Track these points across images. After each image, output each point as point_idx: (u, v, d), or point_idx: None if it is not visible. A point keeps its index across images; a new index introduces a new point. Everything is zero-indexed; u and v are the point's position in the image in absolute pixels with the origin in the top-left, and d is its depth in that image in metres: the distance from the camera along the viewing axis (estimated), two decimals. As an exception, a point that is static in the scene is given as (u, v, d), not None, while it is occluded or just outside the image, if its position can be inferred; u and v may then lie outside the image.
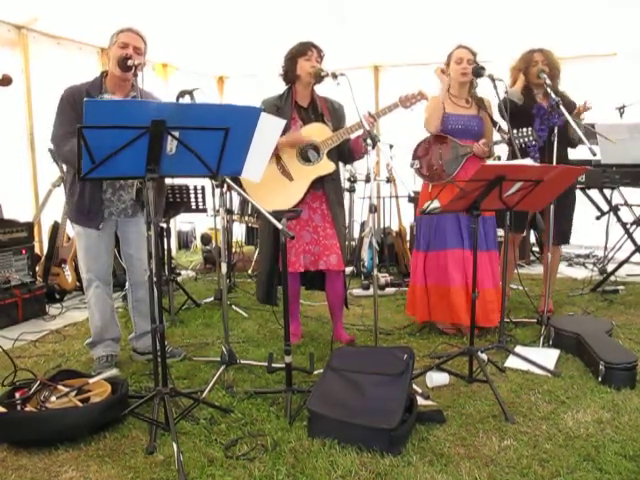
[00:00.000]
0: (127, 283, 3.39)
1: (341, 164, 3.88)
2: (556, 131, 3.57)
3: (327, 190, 3.50)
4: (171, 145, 2.31)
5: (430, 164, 3.71)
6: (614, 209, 4.91)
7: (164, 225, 4.41)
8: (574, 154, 4.40)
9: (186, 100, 3.78)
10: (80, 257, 3.22)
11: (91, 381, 2.77)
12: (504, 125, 3.57)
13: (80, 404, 2.59)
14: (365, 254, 5.47)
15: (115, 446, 2.43)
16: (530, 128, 3.48)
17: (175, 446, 2.24)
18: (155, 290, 2.48)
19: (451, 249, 3.70)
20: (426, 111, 3.73)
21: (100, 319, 3.25)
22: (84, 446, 2.41)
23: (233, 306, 4.56)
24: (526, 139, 3.45)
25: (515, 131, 3.46)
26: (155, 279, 2.48)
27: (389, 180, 5.75)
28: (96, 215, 3.10)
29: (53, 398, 2.59)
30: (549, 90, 3.55)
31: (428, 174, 3.72)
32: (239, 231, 6.54)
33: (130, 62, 2.91)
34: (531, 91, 3.92)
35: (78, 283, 4.89)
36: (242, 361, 3.25)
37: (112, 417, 2.55)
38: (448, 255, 3.71)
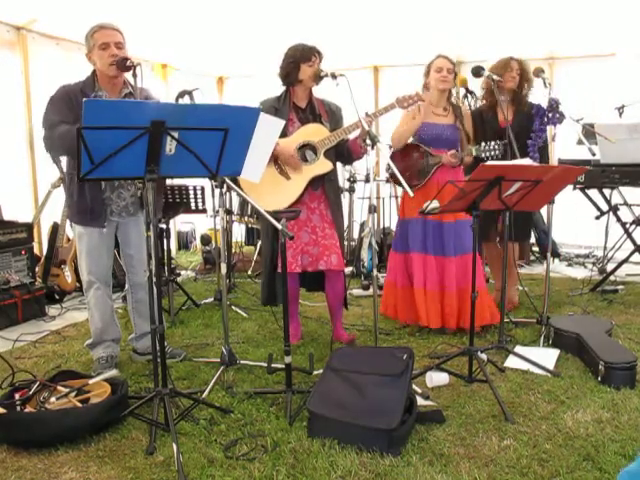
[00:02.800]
0: (127, 284, 3.38)
1: (340, 165, 3.89)
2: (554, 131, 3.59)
3: (326, 190, 3.51)
4: (170, 146, 2.31)
5: (402, 171, 3.73)
6: (613, 209, 4.91)
7: (164, 226, 4.41)
8: (574, 154, 4.41)
9: (185, 100, 3.78)
10: (81, 259, 3.22)
11: (91, 382, 2.77)
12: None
13: (80, 405, 2.59)
14: (365, 254, 5.47)
15: (115, 447, 2.43)
16: (498, 142, 3.50)
17: (175, 447, 2.24)
18: (155, 291, 2.47)
19: (415, 253, 3.81)
20: (396, 129, 3.83)
21: (100, 320, 3.25)
22: (84, 447, 2.41)
23: (233, 306, 4.56)
24: (492, 153, 3.48)
25: (483, 144, 3.50)
26: (155, 280, 2.48)
27: (388, 180, 5.74)
28: (100, 214, 3.10)
29: (53, 399, 2.59)
30: (549, 90, 3.55)
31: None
32: (239, 232, 6.54)
33: (129, 62, 2.91)
34: (493, 94, 3.93)
35: (78, 284, 4.89)
36: (242, 361, 3.25)
37: (112, 418, 2.56)
38: (413, 258, 3.82)
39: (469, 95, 3.97)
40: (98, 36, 2.98)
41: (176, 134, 2.27)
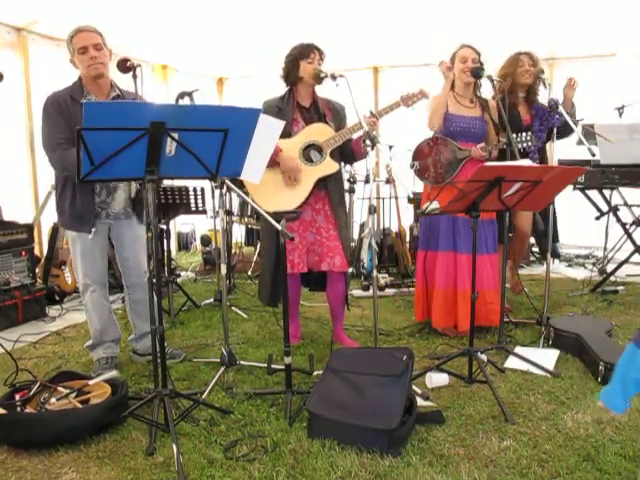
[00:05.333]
0: (124, 285, 3.38)
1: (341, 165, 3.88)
2: (555, 132, 3.58)
3: (330, 191, 3.50)
4: (170, 147, 2.31)
5: (429, 166, 3.71)
6: (613, 209, 4.91)
7: (163, 227, 4.41)
8: (574, 154, 4.41)
9: (185, 101, 3.78)
10: (76, 262, 3.22)
11: (91, 382, 2.77)
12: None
13: (80, 406, 2.59)
14: (365, 255, 5.47)
15: (115, 447, 2.43)
16: (530, 133, 3.48)
17: (175, 447, 2.25)
18: (155, 291, 2.47)
19: (442, 251, 3.77)
20: (428, 110, 3.73)
21: (99, 322, 3.26)
22: (84, 448, 2.42)
23: (233, 307, 4.57)
24: (525, 144, 3.45)
25: (515, 136, 3.46)
26: (154, 280, 2.48)
27: (388, 181, 5.75)
28: (88, 219, 3.09)
29: (53, 400, 2.59)
30: (548, 91, 3.55)
31: (427, 176, 3.73)
32: (239, 232, 6.54)
33: (130, 64, 2.90)
34: (513, 93, 3.92)
35: (77, 285, 4.89)
36: (242, 362, 3.25)
37: (112, 418, 2.56)
38: (438, 257, 3.78)
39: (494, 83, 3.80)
40: (76, 40, 2.98)
41: (176, 135, 2.27)
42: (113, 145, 2.19)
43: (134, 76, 2.90)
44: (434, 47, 5.87)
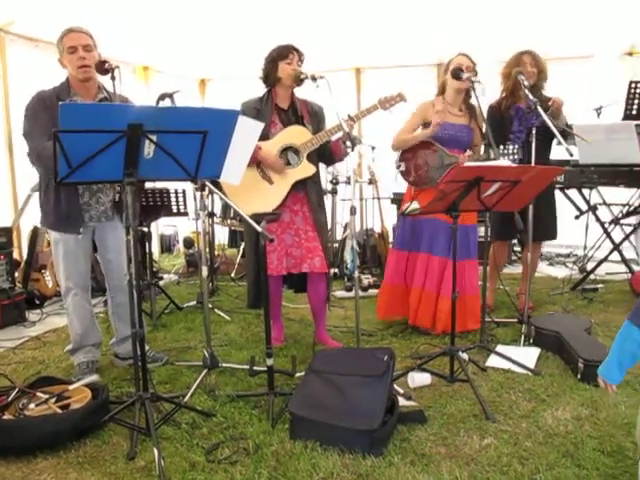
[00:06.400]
0: (107, 288, 3.36)
1: (322, 166, 3.88)
2: (534, 132, 3.61)
3: (308, 193, 3.50)
4: (149, 149, 2.30)
5: (415, 168, 3.73)
6: (592, 208, 4.97)
7: (145, 229, 4.39)
8: (554, 154, 4.44)
9: (166, 103, 3.77)
10: (58, 264, 3.18)
11: (71, 387, 2.74)
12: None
13: (59, 411, 2.56)
14: (348, 256, 5.47)
15: (95, 452, 2.41)
16: (516, 146, 3.46)
17: (156, 451, 2.24)
18: (135, 294, 2.46)
19: (423, 253, 3.81)
20: (403, 132, 3.81)
21: (80, 326, 3.23)
22: (63, 453, 2.39)
23: (215, 309, 4.55)
24: (512, 157, 3.46)
25: (502, 147, 3.46)
26: (135, 283, 2.46)
27: (371, 182, 5.76)
28: (76, 220, 3.06)
29: (32, 405, 2.56)
30: (527, 92, 3.57)
31: (412, 178, 3.75)
32: (222, 234, 6.52)
33: (107, 65, 2.89)
34: (516, 93, 3.95)
35: (58, 288, 4.83)
36: (224, 364, 3.25)
37: (92, 423, 2.53)
38: (419, 258, 3.82)
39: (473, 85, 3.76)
40: (66, 40, 2.95)
41: (154, 137, 2.26)
42: (90, 147, 2.17)
43: (112, 78, 2.87)
44: (416, 48, 5.93)
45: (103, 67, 2.88)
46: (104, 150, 2.19)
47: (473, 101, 3.76)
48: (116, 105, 2.78)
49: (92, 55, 2.96)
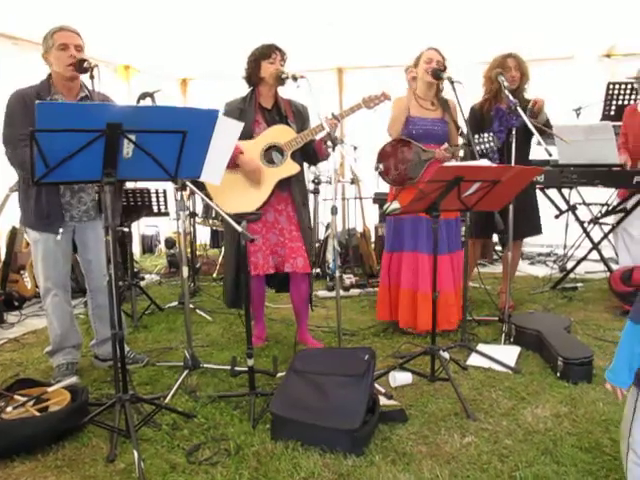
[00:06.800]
0: (87, 289, 3.32)
1: (305, 166, 3.88)
2: (514, 132, 3.64)
3: (292, 192, 3.50)
4: (128, 148, 2.27)
5: (393, 168, 3.74)
6: (572, 208, 5.03)
7: (125, 229, 4.35)
8: (534, 154, 4.49)
9: (147, 102, 3.73)
10: (37, 265, 3.14)
11: (50, 390, 2.71)
12: (465, 129, 3.62)
13: (38, 414, 2.53)
14: (330, 255, 5.48)
15: (74, 455, 2.38)
16: (491, 134, 3.52)
17: (136, 453, 2.22)
18: (115, 295, 2.43)
19: (407, 252, 3.80)
20: (391, 111, 3.76)
21: (59, 327, 3.19)
22: (42, 457, 2.36)
23: (197, 310, 4.53)
24: (487, 145, 3.49)
25: (476, 136, 3.50)
26: (114, 284, 2.44)
27: (353, 181, 5.77)
28: (56, 219, 3.03)
29: (9, 408, 2.52)
30: (507, 92, 3.60)
31: (392, 178, 3.75)
32: (204, 234, 6.49)
33: (87, 64, 2.86)
34: (498, 95, 3.98)
35: (37, 290, 4.76)
36: (205, 365, 3.23)
37: (71, 426, 2.51)
38: (403, 257, 3.81)
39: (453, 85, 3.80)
40: (58, 37, 2.92)
41: (133, 137, 2.24)
42: (68, 147, 2.15)
43: (91, 77, 2.85)
44: (398, 49, 5.94)
45: (82, 66, 2.86)
46: (82, 150, 2.16)
47: (445, 94, 3.79)
48: (95, 104, 2.75)
49: (82, 56, 2.93)
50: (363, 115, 3.56)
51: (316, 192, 5.35)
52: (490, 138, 3.50)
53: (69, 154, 2.15)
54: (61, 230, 3.04)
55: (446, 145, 3.70)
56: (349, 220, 6.18)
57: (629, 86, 5.04)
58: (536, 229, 4.30)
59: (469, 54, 4.29)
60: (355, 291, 5.08)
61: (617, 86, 5.13)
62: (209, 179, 2.81)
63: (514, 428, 2.53)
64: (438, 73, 3.59)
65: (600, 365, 3.08)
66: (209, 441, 2.46)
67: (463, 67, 4.17)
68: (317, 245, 5.84)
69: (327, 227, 5.83)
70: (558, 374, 3.04)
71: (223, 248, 5.12)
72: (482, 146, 3.48)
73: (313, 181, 5.25)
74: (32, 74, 3.08)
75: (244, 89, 3.54)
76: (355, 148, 5.70)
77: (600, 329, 3.82)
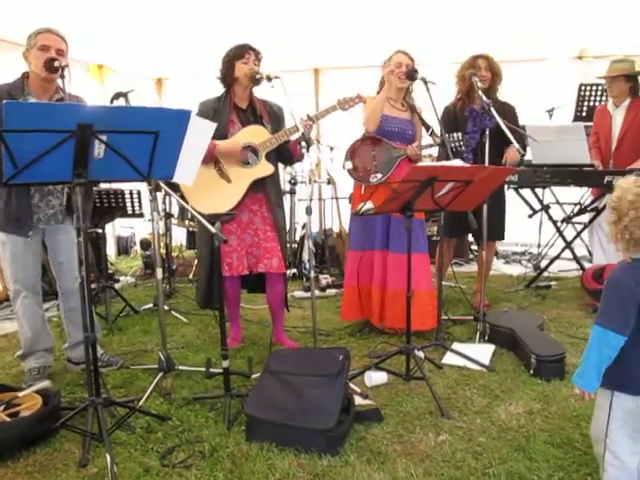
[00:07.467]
0: (59, 292, 3.27)
1: (281, 167, 3.87)
2: (487, 132, 3.69)
3: (267, 192, 3.49)
4: (99, 149, 2.25)
5: (363, 165, 3.75)
6: (545, 207, 5.10)
7: (99, 230, 4.30)
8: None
9: (121, 102, 3.69)
10: (5, 267, 3.09)
11: (21, 394, 2.67)
12: (437, 129, 3.65)
13: (8, 419, 2.48)
14: (306, 256, 5.48)
15: (46, 461, 2.35)
16: (459, 133, 3.56)
17: (108, 457, 2.19)
18: (87, 298, 2.40)
19: (378, 250, 3.80)
20: (366, 110, 3.75)
21: (30, 330, 3.14)
22: (12, 463, 2.32)
23: (173, 311, 4.49)
24: (456, 144, 3.53)
25: (447, 135, 3.53)
26: (87, 286, 2.41)
27: (329, 182, 5.78)
28: (25, 222, 2.98)
29: (-21, 414, 2.48)
30: (480, 93, 3.64)
31: (361, 175, 3.76)
32: (180, 235, 6.44)
33: (57, 63, 2.82)
34: (471, 95, 4.02)
35: (9, 292, 4.69)
36: (180, 367, 3.20)
37: (43, 431, 2.47)
38: (375, 256, 3.81)
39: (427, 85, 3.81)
40: (41, 37, 2.89)
41: (104, 137, 2.21)
42: (37, 147, 2.12)
43: (62, 76, 2.81)
44: (374, 49, 5.96)
45: (52, 65, 2.82)
46: (52, 150, 2.13)
47: (418, 94, 3.81)
48: (64, 104, 2.71)
49: (64, 60, 2.89)
50: (339, 116, 3.57)
51: (292, 192, 5.35)
52: (459, 137, 3.53)
53: (38, 155, 2.11)
54: (30, 233, 3.00)
55: (417, 143, 3.73)
56: (325, 220, 6.18)
57: (600, 87, 5.14)
58: (498, 235, 4.30)
59: (444, 55, 4.32)
60: (331, 291, 5.08)
61: (588, 87, 5.23)
62: (182, 180, 2.79)
63: (488, 426, 2.55)
64: (413, 74, 3.61)
65: (573, 362, 3.12)
66: (183, 443, 2.45)
67: (438, 67, 4.20)
68: (294, 246, 5.84)
69: (303, 227, 5.83)
70: (531, 371, 3.08)
71: (197, 249, 5.10)
72: (451, 145, 3.52)
73: (289, 181, 5.25)
74: (6, 72, 3.02)
75: (220, 89, 3.53)
76: (331, 148, 5.71)
77: (573, 327, 3.88)
